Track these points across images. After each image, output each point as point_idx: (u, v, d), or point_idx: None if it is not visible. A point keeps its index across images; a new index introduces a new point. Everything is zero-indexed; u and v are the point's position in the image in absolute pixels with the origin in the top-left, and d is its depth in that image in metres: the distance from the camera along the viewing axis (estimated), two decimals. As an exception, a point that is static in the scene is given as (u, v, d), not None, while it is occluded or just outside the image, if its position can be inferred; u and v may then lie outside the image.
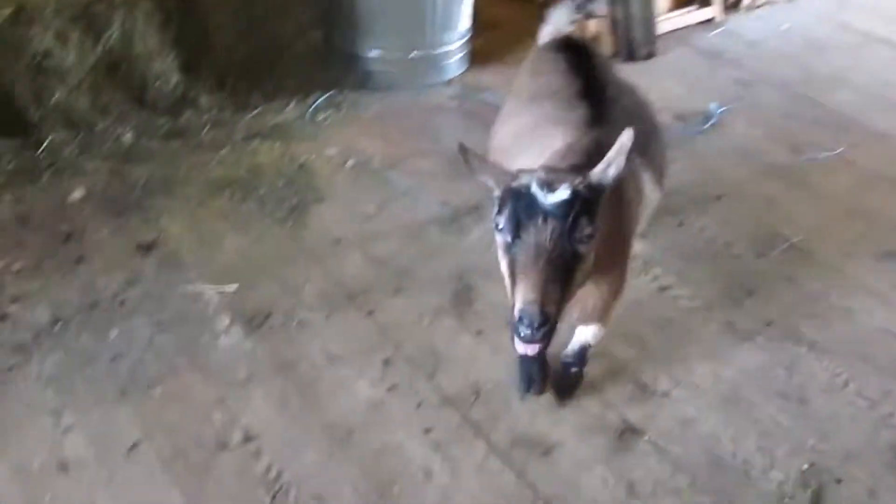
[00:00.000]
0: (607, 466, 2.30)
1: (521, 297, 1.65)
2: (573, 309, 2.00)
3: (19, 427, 2.39)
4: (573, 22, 2.93)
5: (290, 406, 2.46)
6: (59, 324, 2.71)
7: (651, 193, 2.25)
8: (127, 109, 3.62)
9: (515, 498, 2.22)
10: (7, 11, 3.23)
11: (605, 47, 4.35)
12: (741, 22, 4.93)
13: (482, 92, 4.06)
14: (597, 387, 2.52)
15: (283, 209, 3.21)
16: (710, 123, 3.82)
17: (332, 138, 3.67)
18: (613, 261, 2.02)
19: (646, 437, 2.38)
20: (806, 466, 2.31)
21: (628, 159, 1.88)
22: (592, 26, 4.35)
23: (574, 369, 2.45)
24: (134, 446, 2.34)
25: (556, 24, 2.92)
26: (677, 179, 3.39)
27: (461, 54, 4.15)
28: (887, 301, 2.87)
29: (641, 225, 2.28)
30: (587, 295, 1.99)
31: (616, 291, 2.11)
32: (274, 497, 2.21)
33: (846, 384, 2.56)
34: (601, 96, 2.29)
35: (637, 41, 4.29)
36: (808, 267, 2.99)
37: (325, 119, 3.79)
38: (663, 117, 3.81)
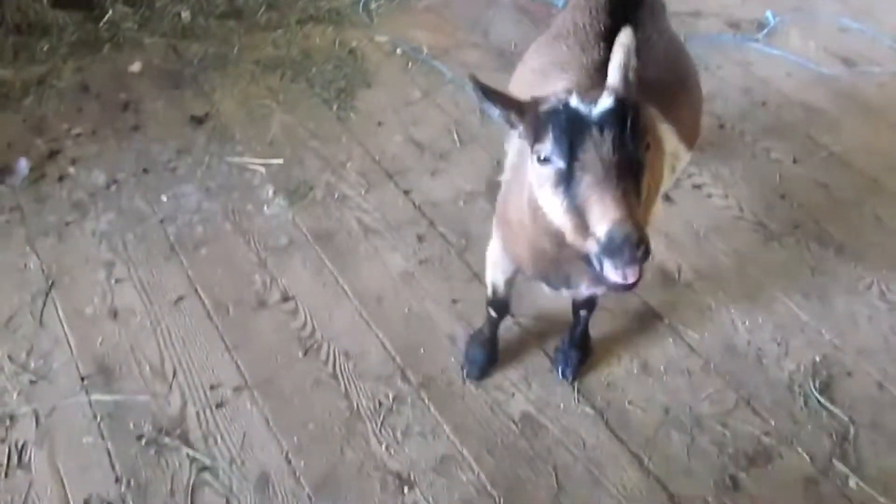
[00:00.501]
0: (623, 344, 2.41)
1: (607, 219, 1.39)
2: (583, 272, 1.75)
3: (75, 276, 2.56)
4: None
5: (325, 272, 2.59)
6: (114, 186, 2.86)
7: (674, 148, 2.05)
8: (186, -13, 3.71)
9: (535, 364, 2.35)
10: None
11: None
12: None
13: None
14: (621, 272, 2.59)
15: (331, 91, 3.30)
16: (764, 32, 3.77)
17: (383, 26, 3.72)
18: None
19: (665, 322, 2.47)
20: (818, 359, 2.39)
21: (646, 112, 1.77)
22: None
23: (583, 313, 2.27)
24: (180, 299, 2.50)
25: None
26: (726, 84, 3.43)
27: (518, -51, 4.12)
28: (920, 213, 2.88)
29: (667, 181, 2.09)
30: None
31: None
32: (307, 352, 2.36)
33: (869, 287, 2.61)
34: None
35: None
36: (844, 176, 3.00)
37: (379, 7, 3.84)
38: (715, 24, 3.81)
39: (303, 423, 2.18)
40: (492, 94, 1.56)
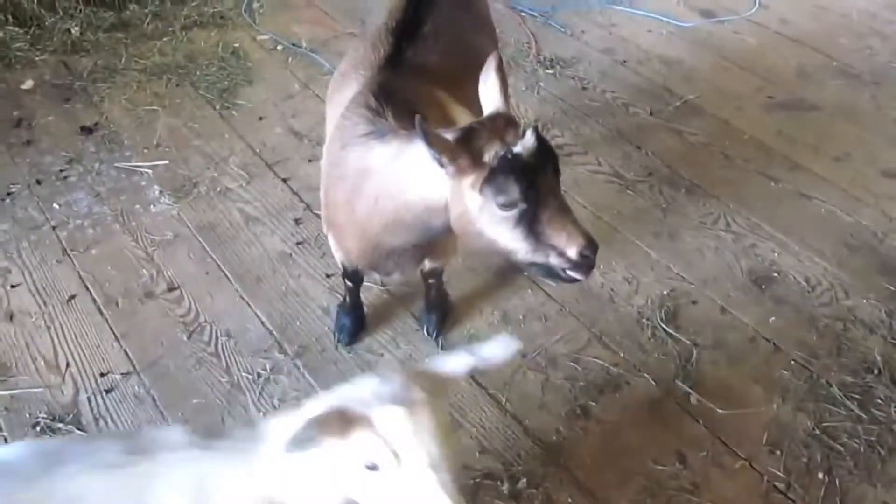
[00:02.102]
0: (485, 298, 2.59)
1: (576, 243, 1.66)
2: (412, 255, 2.07)
3: (-28, 285, 2.72)
4: None
5: (208, 260, 2.75)
6: (9, 198, 3.00)
7: None
8: (73, 5, 3.85)
9: (403, 325, 2.53)
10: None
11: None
12: None
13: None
14: (483, 232, 2.78)
15: (214, 91, 3.46)
16: (628, -8, 3.98)
17: (265, 25, 3.88)
18: None
19: (524, 274, 2.66)
20: (666, 292, 2.59)
21: (430, 94, 2.00)
22: None
23: (431, 281, 2.43)
24: (72, 297, 2.65)
25: None
26: (589, 48, 3.62)
27: (393, -63, 4.28)
28: (767, 148, 3.10)
29: None
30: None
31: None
32: (190, 335, 2.52)
33: (716, 221, 2.82)
34: (414, 32, 2.20)
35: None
36: (697, 121, 3.22)
37: (261, 7, 3.99)
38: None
39: (186, 399, 2.35)
40: (433, 139, 1.62)
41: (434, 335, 2.49)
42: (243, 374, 2.41)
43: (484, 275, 2.66)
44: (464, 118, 2.11)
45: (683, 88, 3.36)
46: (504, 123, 1.69)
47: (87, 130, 3.28)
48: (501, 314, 2.55)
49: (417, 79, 2.09)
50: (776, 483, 2.11)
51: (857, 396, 2.29)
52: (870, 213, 2.84)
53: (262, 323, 2.55)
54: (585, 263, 1.69)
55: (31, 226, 2.90)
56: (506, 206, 1.64)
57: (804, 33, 3.72)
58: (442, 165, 1.66)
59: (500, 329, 2.50)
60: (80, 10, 3.85)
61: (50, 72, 3.60)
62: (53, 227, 2.89)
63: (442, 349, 2.45)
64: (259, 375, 2.41)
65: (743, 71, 3.47)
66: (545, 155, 1.65)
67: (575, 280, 1.76)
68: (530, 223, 1.66)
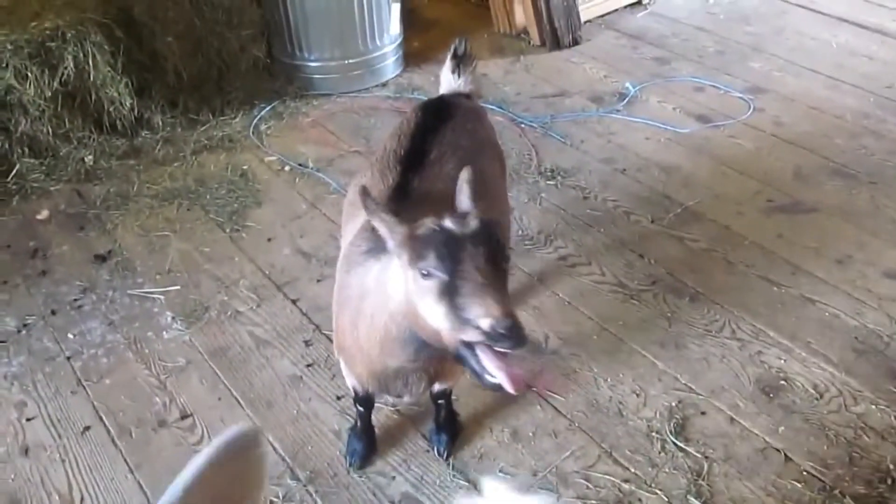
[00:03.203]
0: (494, 416, 2.60)
1: (490, 315, 1.61)
2: (419, 377, 2.06)
3: (-11, 420, 2.75)
4: (458, 73, 2.73)
5: (220, 386, 2.78)
6: (24, 330, 3.06)
7: None
8: (87, 134, 3.97)
9: (414, 446, 2.53)
10: (-34, 54, 3.60)
11: (532, 38, 4.64)
12: (668, 1, 5.17)
13: (413, 91, 4.38)
14: (490, 348, 2.81)
15: (224, 214, 3.55)
16: (624, 102, 4.09)
17: (273, 146, 4.00)
18: None
19: (533, 389, 2.68)
20: (674, 403, 2.60)
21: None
22: (519, 18, 4.64)
23: (441, 401, 2.46)
24: (86, 429, 2.68)
25: (443, 84, 2.80)
26: (589, 157, 3.72)
27: (395, 57, 4.46)
28: (768, 252, 3.14)
29: None
30: (433, 362, 2.04)
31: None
32: (203, 463, 2.54)
33: (721, 329, 2.84)
34: (422, 161, 2.28)
35: (561, 29, 4.56)
36: (697, 227, 3.27)
37: (269, 128, 4.12)
38: (579, 101, 4.12)
39: (200, 532, 2.35)
40: (377, 212, 1.76)
41: (445, 456, 2.50)
42: (255, 503, 2.42)
43: (491, 392, 2.67)
44: None
45: (683, 195, 3.43)
46: (452, 211, 1.78)
47: (100, 258, 3.36)
48: (511, 432, 2.56)
49: (423, 208, 2.15)
50: None
51: (873, 508, 2.27)
52: (874, 316, 2.85)
53: (275, 449, 2.56)
54: (504, 339, 1.61)
55: (46, 357, 2.94)
56: (426, 276, 1.67)
57: (799, 135, 3.80)
58: (385, 241, 1.77)
59: (510, 447, 2.51)
60: (94, 139, 3.98)
61: (64, 201, 3.71)
62: (68, 358, 2.94)
63: (453, 470, 2.45)
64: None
65: (741, 175, 3.54)
66: (480, 236, 1.68)
67: (496, 388, 1.72)
68: (451, 297, 1.65)
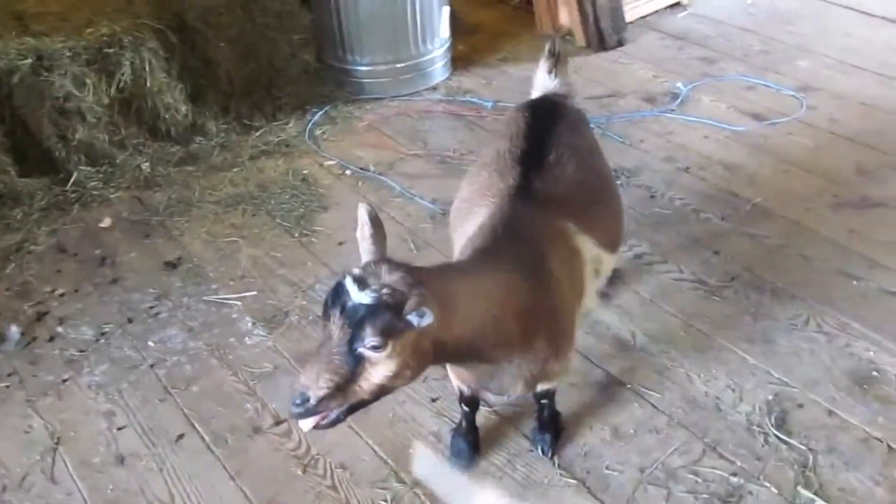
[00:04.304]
0: (593, 414, 2.61)
1: (299, 376, 1.72)
2: (515, 379, 2.08)
3: (78, 430, 2.71)
4: (555, 73, 2.72)
5: (311, 390, 2.78)
6: (103, 339, 3.04)
7: (594, 255, 2.26)
8: (142, 141, 3.97)
9: (516, 446, 2.54)
10: (28, 61, 3.58)
11: (577, 40, 4.67)
12: (708, 2, 5.22)
13: (464, 94, 4.41)
14: (580, 346, 2.82)
15: (291, 219, 3.55)
16: (677, 102, 4.13)
17: (330, 150, 4.00)
18: (542, 328, 2.04)
19: (627, 386, 2.69)
20: (771, 397, 2.62)
21: (557, 226, 2.07)
22: (563, 19, 4.67)
23: (544, 401, 2.46)
24: (180, 437, 2.66)
25: (538, 86, 2.80)
26: (650, 157, 3.74)
27: (444, 60, 4.49)
28: (842, 246, 3.17)
29: (592, 285, 2.32)
30: (525, 363, 2.05)
31: (554, 356, 2.11)
32: (305, 469, 2.53)
33: (806, 323, 2.86)
34: (541, 162, 2.30)
35: (607, 31, 4.59)
36: (768, 224, 3.30)
37: (323, 133, 4.13)
38: (632, 102, 4.14)
39: (311, 536, 2.35)
40: (375, 232, 1.79)
41: (549, 454, 2.51)
42: (364, 505, 2.42)
43: (587, 390, 2.69)
44: (588, 246, 2.22)
45: (749, 192, 3.46)
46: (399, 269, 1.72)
47: (170, 265, 3.35)
48: (612, 429, 2.57)
49: (545, 210, 2.16)
50: (919, 588, 2.10)
51: (981, 494, 2.30)
52: (956, 308, 2.89)
53: (375, 452, 2.56)
54: (291, 404, 1.70)
55: (128, 365, 2.93)
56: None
57: (856, 132, 3.84)
58: None
59: (613, 444, 2.52)
60: (149, 146, 3.97)
61: (126, 209, 3.69)
62: (151, 366, 2.92)
63: (559, 468, 2.46)
64: (381, 506, 2.42)
65: (804, 172, 3.57)
66: (355, 311, 1.64)
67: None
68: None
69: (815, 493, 2.33)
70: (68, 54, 3.66)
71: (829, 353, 2.76)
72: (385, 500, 2.42)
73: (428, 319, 1.66)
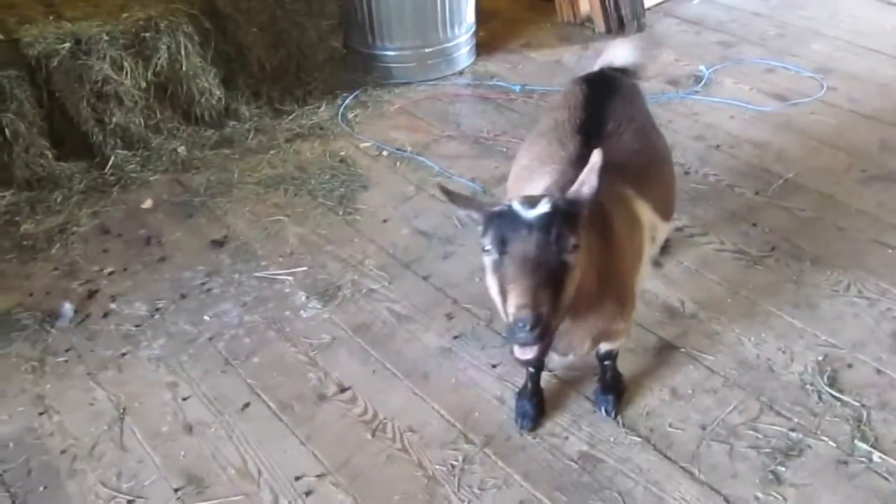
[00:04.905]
0: (651, 377, 2.70)
1: (514, 304, 1.74)
2: (582, 338, 2.18)
3: (143, 401, 2.76)
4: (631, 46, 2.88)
5: (371, 360, 2.84)
6: (157, 314, 3.09)
7: (651, 222, 2.37)
8: (177, 126, 4.01)
9: (579, 408, 2.62)
10: (67, 45, 3.61)
11: (598, 25, 4.76)
12: (720, -11, 5.35)
13: (491, 78, 4.49)
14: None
15: (333, 198, 3.61)
16: (701, 84, 4.24)
17: (364, 132, 4.07)
18: (611, 287, 2.13)
19: (682, 350, 2.78)
20: (820, 358, 2.72)
21: (618, 191, 2.14)
22: (584, 6, 4.77)
23: (607, 363, 2.55)
24: (246, 405, 2.72)
25: (607, 58, 2.92)
26: (680, 136, 3.84)
27: (469, 46, 4.56)
28: (874, 217, 3.28)
29: (648, 251, 2.42)
30: (593, 321, 2.15)
31: (618, 315, 2.22)
32: (374, 433, 2.59)
33: (847, 289, 2.97)
34: (599, 131, 2.39)
35: (626, 17, 4.69)
36: (801, 197, 3.41)
37: (356, 116, 4.19)
38: (657, 85, 4.24)
39: (388, 496, 2.40)
40: (456, 198, 1.97)
41: (613, 415, 2.59)
42: (436, 466, 2.48)
43: (643, 355, 2.77)
44: (646, 213, 2.32)
45: (779, 168, 3.57)
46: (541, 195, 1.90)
47: (217, 244, 3.40)
48: (670, 391, 2.65)
49: (607, 176, 2.24)
50: (978, 533, 2.20)
51: None
52: None
53: (442, 416, 2.63)
54: (514, 332, 1.75)
55: (186, 339, 2.98)
56: (484, 251, 1.84)
57: (877, 110, 3.97)
58: (474, 223, 1.93)
59: (673, 404, 2.61)
60: (183, 130, 4.02)
61: (166, 191, 3.73)
62: (209, 339, 2.97)
63: (624, 427, 2.54)
64: (453, 466, 2.47)
65: (830, 148, 3.69)
66: (540, 222, 1.78)
67: (517, 361, 1.88)
68: (501, 276, 1.80)
69: (872, 446, 2.43)
70: (106, 38, 3.70)
71: (872, 316, 2.86)
72: (457, 461, 2.49)
73: (587, 189, 1.87)
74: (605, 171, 2.25)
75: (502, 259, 1.80)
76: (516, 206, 1.80)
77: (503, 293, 1.80)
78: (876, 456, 2.40)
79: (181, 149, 3.93)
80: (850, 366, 2.69)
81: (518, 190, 2.40)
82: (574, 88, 2.66)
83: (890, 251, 3.13)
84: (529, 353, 1.84)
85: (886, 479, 2.34)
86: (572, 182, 2.11)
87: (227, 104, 4.10)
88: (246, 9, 4.07)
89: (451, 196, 1.97)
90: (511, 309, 1.75)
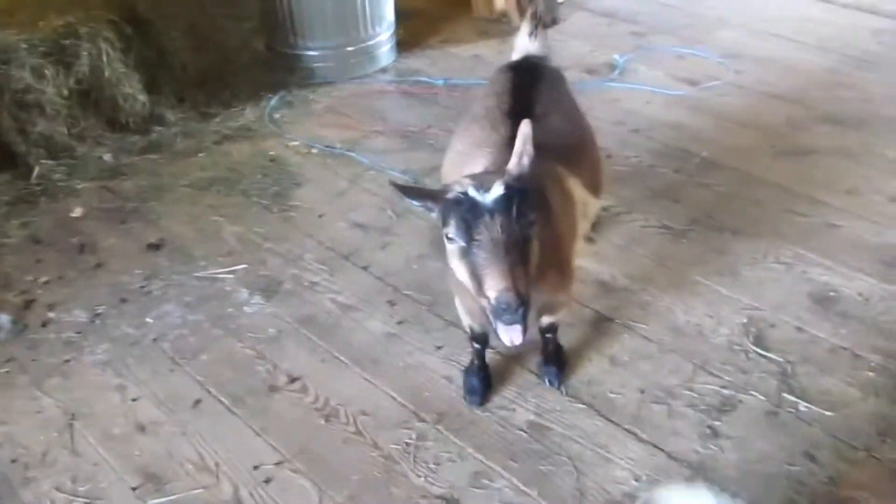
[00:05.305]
0: (590, 347, 2.83)
1: (494, 288, 1.80)
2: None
3: (92, 406, 2.73)
4: (535, 35, 2.94)
5: (319, 350, 2.89)
6: (98, 320, 3.07)
7: (583, 198, 2.48)
8: (102, 132, 3.98)
9: (524, 381, 2.73)
10: (-17, 53, 3.56)
11: (513, 20, 4.90)
12: (631, -19, 5.56)
13: (414, 74, 4.59)
14: (569, 290, 3.03)
15: (267, 196, 3.64)
16: (617, 72, 4.41)
17: (292, 131, 4.10)
18: (551, 261, 2.19)
19: (616, 321, 2.92)
20: (745, 320, 2.89)
21: (550, 169, 2.25)
22: (498, 2, 4.91)
23: (549, 335, 2.65)
24: (198, 402, 2.73)
25: (519, 48, 2.98)
26: (601, 121, 3.98)
27: (390, 44, 4.65)
28: (786, 189, 3.49)
29: (583, 227, 2.57)
30: (536, 295, 2.14)
31: (560, 288, 2.33)
32: (328, 419, 2.65)
33: (766, 256, 3.16)
34: (529, 115, 2.40)
35: (541, 11, 4.82)
36: (719, 174, 3.61)
37: (283, 116, 4.22)
38: (576, 74, 4.40)
39: (347, 477, 2.46)
40: (409, 191, 2.03)
41: (557, 385, 2.70)
42: (392, 446, 2.55)
43: (581, 327, 2.90)
44: (577, 189, 2.44)
45: (696, 147, 3.76)
46: (488, 176, 1.95)
47: (154, 247, 3.39)
48: (609, 359, 2.78)
49: (539, 156, 2.36)
50: (898, 468, 2.39)
51: (938, 385, 2.62)
52: (892, 234, 3.23)
53: (393, 398, 2.70)
54: (502, 315, 1.83)
55: (130, 342, 2.97)
56: (449, 239, 1.90)
57: (782, 91, 4.21)
58: (430, 211, 1.97)
59: (613, 371, 2.74)
60: (109, 137, 3.98)
61: (95, 198, 3.70)
62: (154, 340, 2.97)
63: (568, 396, 2.66)
64: (408, 445, 2.54)
65: (741, 128, 3.90)
66: (499, 204, 1.84)
67: (506, 341, 1.94)
68: (472, 261, 1.86)
69: (798, 397, 2.60)
70: (25, 46, 3.66)
71: (790, 279, 3.05)
72: (411, 439, 2.56)
73: (526, 160, 1.96)
74: (538, 150, 2.38)
75: (470, 246, 1.85)
76: (472, 191, 1.86)
77: (476, 278, 1.86)
78: (802, 405, 2.57)
79: (107, 156, 3.90)
80: (773, 326, 2.87)
81: (456, 175, 2.49)
82: (501, 76, 2.77)
83: (802, 219, 3.33)
84: (518, 335, 1.92)
85: (812, 425, 2.51)
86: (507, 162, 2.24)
87: (152, 109, 4.08)
88: (166, 13, 4.08)
89: (405, 190, 2.01)
90: (492, 293, 1.81)
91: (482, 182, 1.88)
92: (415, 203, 2.01)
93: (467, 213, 1.85)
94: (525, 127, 1.98)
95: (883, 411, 2.55)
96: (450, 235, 1.89)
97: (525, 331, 1.94)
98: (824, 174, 3.58)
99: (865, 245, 3.19)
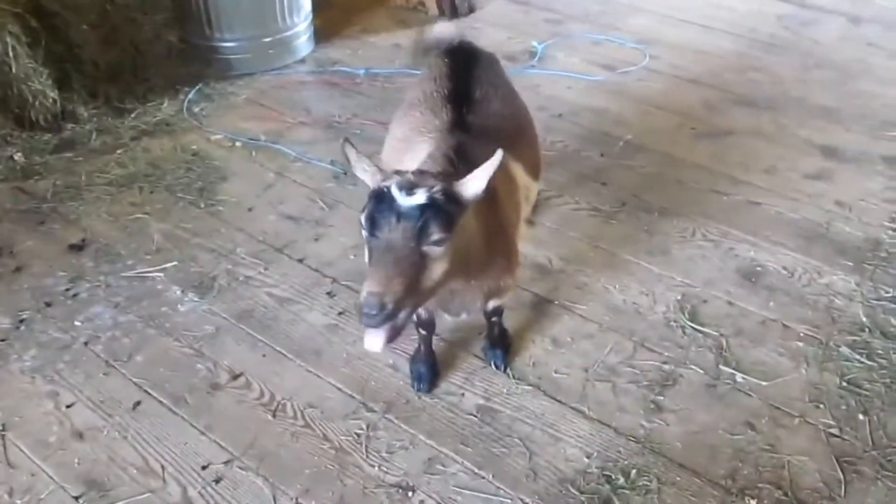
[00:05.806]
0: (532, 329, 2.87)
1: (365, 288, 1.79)
2: (475, 296, 2.28)
3: (23, 414, 2.62)
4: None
5: (260, 344, 2.84)
6: (23, 325, 2.93)
7: (524, 182, 2.49)
8: (11, 131, 3.80)
9: (470, 366, 2.75)
10: None
11: (430, 9, 4.90)
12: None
13: (334, 64, 4.54)
14: (508, 274, 3.06)
15: (192, 192, 3.55)
16: (536, 59, 4.47)
17: (213, 125, 4.01)
18: (498, 246, 2.23)
19: (556, 303, 2.96)
20: (679, 297, 2.98)
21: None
22: (415, -7, 4.92)
23: (494, 319, 2.68)
24: (137, 404, 2.65)
25: (438, 33, 3.02)
26: (523, 107, 4.03)
27: (308, 34, 4.58)
28: (708, 169, 3.61)
29: (525, 211, 2.56)
30: (484, 279, 2.23)
31: (507, 271, 2.31)
32: (274, 413, 2.61)
33: (693, 234, 3.26)
34: (468, 99, 2.50)
35: (458, 0, 4.86)
36: (642, 156, 3.70)
37: (202, 110, 4.12)
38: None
39: (299, 471, 2.43)
40: (361, 161, 1.98)
41: (503, 368, 2.73)
42: (342, 437, 2.53)
43: (521, 310, 2.93)
44: (519, 173, 2.47)
45: (619, 131, 3.84)
46: (430, 174, 1.96)
47: (76, 248, 3.26)
48: (551, 340, 2.83)
49: (484, 139, 2.37)
50: (831, 430, 2.50)
51: (862, 350, 2.75)
52: (809, 210, 3.38)
53: (340, 389, 2.68)
54: (360, 315, 1.82)
55: (59, 346, 2.86)
56: (360, 224, 1.88)
57: (696, 75, 4.34)
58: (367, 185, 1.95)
59: (556, 352, 2.78)
60: (18, 136, 3.81)
61: (8, 200, 3.53)
62: (85, 344, 2.87)
63: (514, 378, 2.69)
64: (358, 435, 2.53)
65: (660, 111, 4.01)
66: (412, 212, 1.80)
67: (365, 345, 1.94)
68: (367, 255, 1.89)
69: (734, 369, 2.70)
70: (-78, 43, 3.47)
71: (717, 256, 3.16)
72: (361, 429, 2.55)
73: (472, 189, 1.88)
74: (480, 136, 2.38)
75: (370, 239, 1.86)
76: (395, 189, 1.82)
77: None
78: (739, 377, 2.67)
79: (18, 155, 3.73)
80: (705, 301, 2.96)
81: (396, 161, 2.47)
82: (437, 61, 2.77)
83: (725, 198, 3.45)
84: (377, 343, 1.90)
85: (750, 395, 2.62)
86: (451, 148, 2.24)
87: (64, 106, 3.91)
88: (74, 6, 3.90)
89: (349, 151, 1.99)
90: (362, 292, 1.80)
91: (410, 184, 1.85)
92: (357, 170, 1.98)
93: (380, 206, 1.83)
94: (497, 156, 1.90)
95: (813, 379, 2.67)
96: (361, 221, 1.87)
97: (387, 341, 1.91)
98: (742, 154, 3.71)
99: (786, 221, 3.32)
